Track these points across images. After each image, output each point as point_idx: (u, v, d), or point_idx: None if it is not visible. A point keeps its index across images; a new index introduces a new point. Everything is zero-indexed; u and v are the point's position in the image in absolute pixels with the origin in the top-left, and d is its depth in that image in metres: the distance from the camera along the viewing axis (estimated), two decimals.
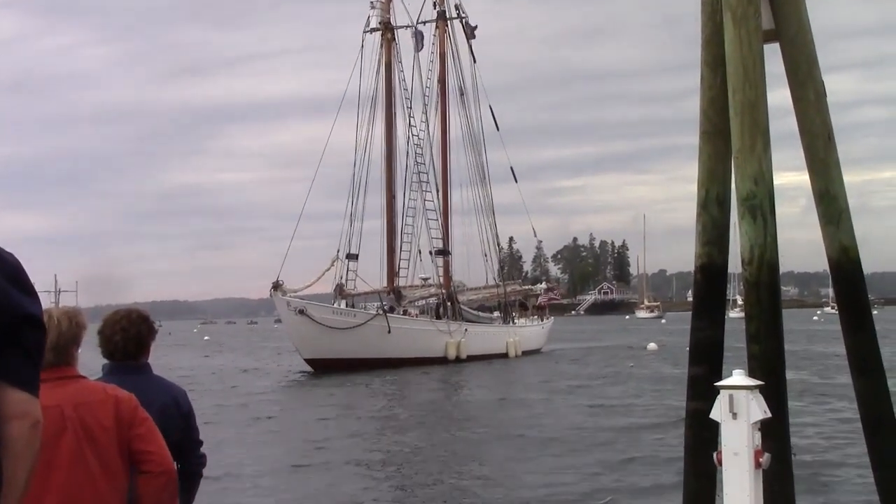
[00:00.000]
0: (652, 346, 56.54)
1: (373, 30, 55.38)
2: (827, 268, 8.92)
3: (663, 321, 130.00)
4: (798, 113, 8.65)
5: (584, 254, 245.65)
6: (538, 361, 50.68)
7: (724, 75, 8.32)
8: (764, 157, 8.05)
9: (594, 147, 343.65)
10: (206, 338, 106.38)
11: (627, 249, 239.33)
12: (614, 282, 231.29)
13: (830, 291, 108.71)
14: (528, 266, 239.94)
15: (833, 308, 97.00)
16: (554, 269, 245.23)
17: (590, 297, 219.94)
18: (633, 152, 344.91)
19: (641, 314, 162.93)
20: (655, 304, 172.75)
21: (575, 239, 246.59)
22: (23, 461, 2.25)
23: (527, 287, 71.79)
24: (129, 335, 4.85)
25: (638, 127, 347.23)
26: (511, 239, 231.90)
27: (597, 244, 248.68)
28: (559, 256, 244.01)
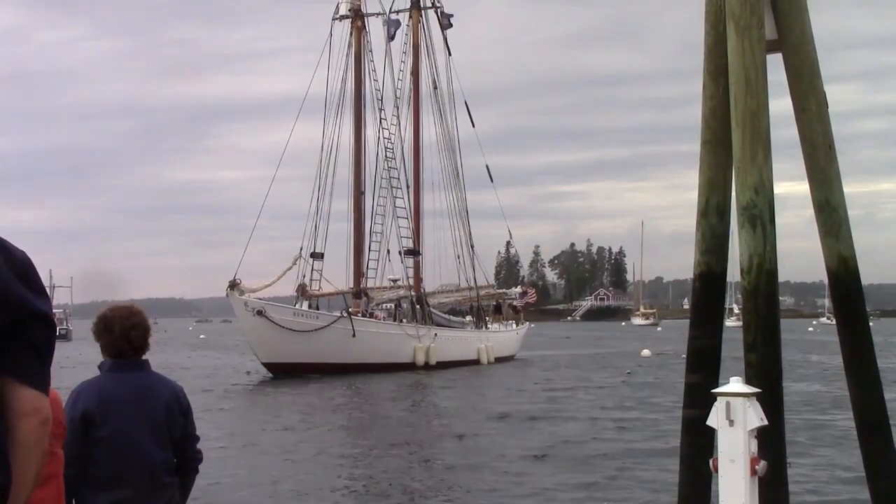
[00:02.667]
0: (646, 352, 56.53)
1: (342, 17, 51.99)
2: (823, 278, 8.96)
3: (658, 329, 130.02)
4: (799, 123, 8.69)
5: (581, 259, 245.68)
6: (509, 370, 48.18)
7: (726, 85, 8.36)
8: (765, 167, 8.09)
9: (593, 153, 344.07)
10: (201, 336, 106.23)
11: (625, 256, 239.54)
12: (611, 288, 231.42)
13: (827, 302, 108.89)
14: (524, 271, 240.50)
15: (829, 318, 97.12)
16: (551, 275, 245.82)
17: (586, 303, 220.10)
18: (632, 158, 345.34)
19: (637, 321, 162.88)
20: (651, 311, 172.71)
21: (572, 244, 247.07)
22: (32, 457, 2.27)
23: (501, 291, 67.85)
24: (140, 332, 4.90)
25: (637, 133, 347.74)
26: (508, 244, 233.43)
27: (594, 250, 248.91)
28: (556, 262, 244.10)
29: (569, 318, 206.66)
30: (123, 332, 4.86)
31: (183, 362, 51.83)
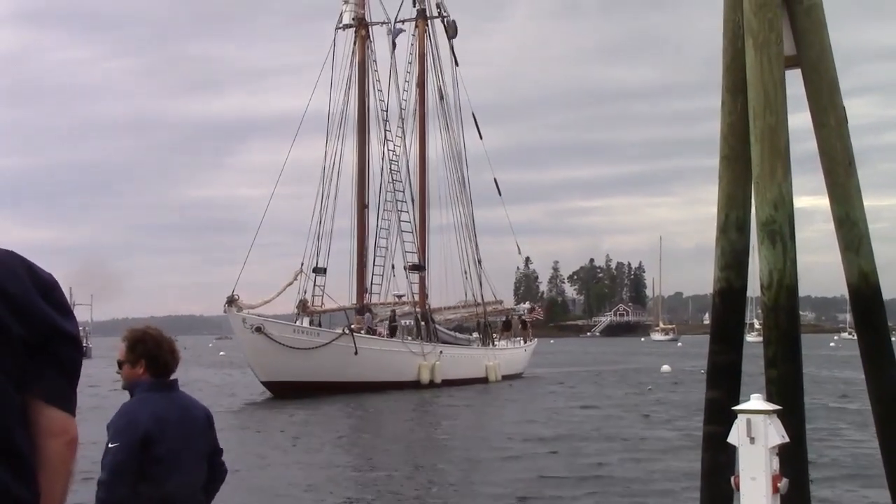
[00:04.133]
0: (666, 368, 56.22)
1: (346, 26, 49.87)
2: (844, 293, 8.93)
3: (679, 344, 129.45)
4: (819, 139, 8.68)
5: (600, 275, 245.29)
6: (518, 389, 46.14)
7: (744, 101, 8.36)
8: (784, 182, 8.08)
9: (612, 168, 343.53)
10: (221, 353, 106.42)
11: (644, 271, 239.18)
12: (630, 303, 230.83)
13: (848, 316, 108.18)
14: (543, 286, 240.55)
15: (850, 333, 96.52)
16: (570, 290, 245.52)
17: (605, 319, 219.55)
18: (652, 173, 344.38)
19: (656, 336, 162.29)
20: (671, 326, 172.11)
21: (592, 260, 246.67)
22: (60, 477, 2.29)
23: (508, 308, 64.36)
24: (176, 355, 5.02)
25: (656, 148, 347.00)
26: (527, 259, 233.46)
27: (613, 265, 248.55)
28: (575, 277, 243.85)
29: (588, 333, 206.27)
30: (170, 353, 4.96)
31: (209, 378, 51.58)
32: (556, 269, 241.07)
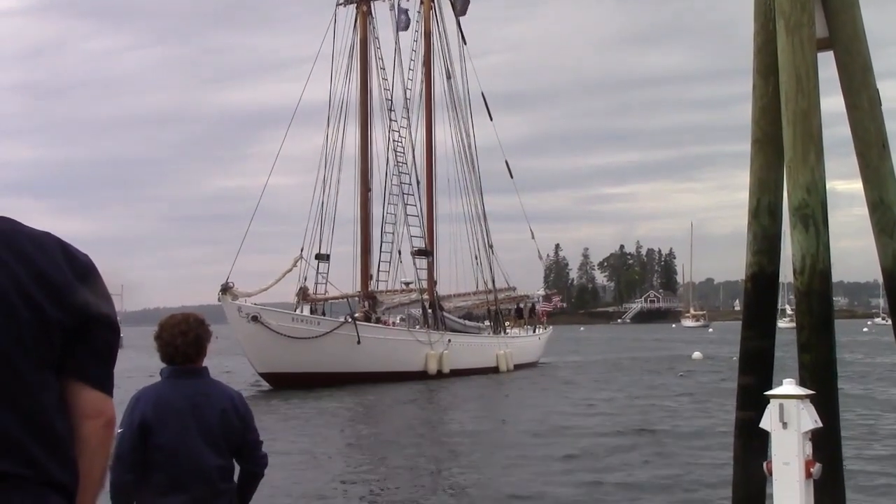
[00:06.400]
0: (697, 354, 55.94)
1: (346, 2, 47.19)
2: (877, 277, 8.85)
3: (710, 330, 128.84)
4: (852, 121, 8.59)
5: (630, 262, 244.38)
6: (530, 377, 44.60)
7: (776, 84, 8.29)
8: (817, 166, 8.01)
9: (641, 153, 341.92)
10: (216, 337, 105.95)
11: (674, 258, 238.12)
12: (661, 290, 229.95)
13: (882, 302, 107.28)
14: (574, 274, 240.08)
15: (884, 319, 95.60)
16: (600, 277, 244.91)
17: (636, 306, 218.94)
18: (681, 159, 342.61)
19: (687, 323, 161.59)
20: (701, 312, 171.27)
21: (622, 247, 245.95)
22: (98, 458, 2.31)
23: (522, 294, 61.20)
24: (189, 339, 4.95)
25: (686, 133, 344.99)
26: (557, 246, 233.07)
27: (644, 252, 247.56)
28: (605, 264, 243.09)
29: (619, 320, 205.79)
30: (171, 338, 4.94)
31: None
32: (586, 257, 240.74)
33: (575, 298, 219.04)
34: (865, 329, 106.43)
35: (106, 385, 2.34)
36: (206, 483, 4.85)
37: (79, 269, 2.30)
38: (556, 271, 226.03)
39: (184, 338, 4.94)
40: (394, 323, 47.80)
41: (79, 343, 2.27)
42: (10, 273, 2.17)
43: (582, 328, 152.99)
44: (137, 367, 32.01)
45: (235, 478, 5.07)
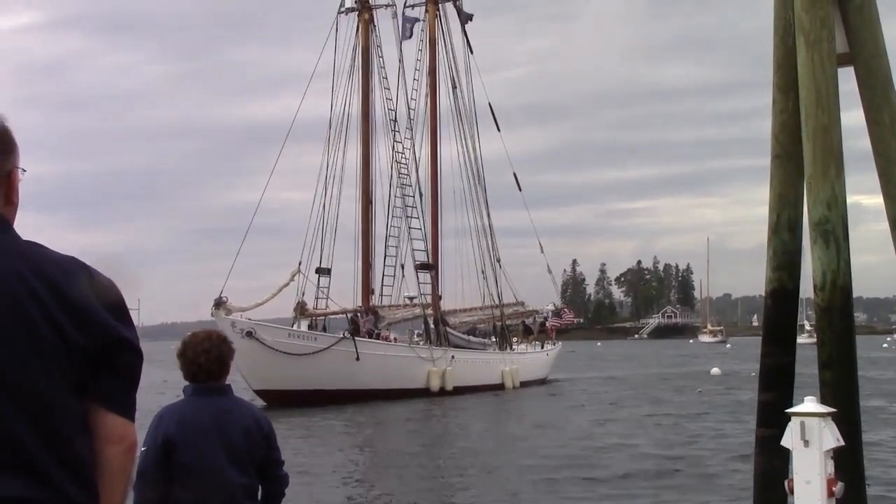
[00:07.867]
0: (715, 370, 55.60)
1: (348, 10, 45.75)
2: None
3: (728, 346, 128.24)
4: (872, 137, 8.54)
5: (647, 276, 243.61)
6: (538, 395, 43.64)
7: (796, 99, 8.26)
8: (837, 182, 7.97)
9: (658, 168, 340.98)
10: None
11: (692, 273, 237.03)
12: (678, 305, 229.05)
13: None
14: (591, 289, 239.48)
15: None
16: (617, 293, 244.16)
17: (653, 321, 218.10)
18: (699, 174, 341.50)
19: (704, 338, 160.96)
20: (719, 328, 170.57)
21: (639, 262, 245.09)
22: (119, 482, 2.34)
23: (530, 309, 58.91)
24: (212, 357, 4.94)
25: (703, 148, 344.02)
26: (574, 262, 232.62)
27: (661, 267, 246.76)
28: (623, 279, 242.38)
29: (636, 336, 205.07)
30: (195, 356, 4.93)
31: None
32: (603, 272, 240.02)
33: (592, 314, 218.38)
34: (885, 345, 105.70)
35: (128, 410, 2.36)
36: (230, 501, 4.84)
37: (102, 293, 2.32)
38: (573, 287, 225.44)
39: (207, 356, 4.94)
40: (395, 339, 46.65)
41: (102, 367, 2.29)
42: (41, 303, 2.21)
43: (599, 343, 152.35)
44: (151, 382, 31.68)
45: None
